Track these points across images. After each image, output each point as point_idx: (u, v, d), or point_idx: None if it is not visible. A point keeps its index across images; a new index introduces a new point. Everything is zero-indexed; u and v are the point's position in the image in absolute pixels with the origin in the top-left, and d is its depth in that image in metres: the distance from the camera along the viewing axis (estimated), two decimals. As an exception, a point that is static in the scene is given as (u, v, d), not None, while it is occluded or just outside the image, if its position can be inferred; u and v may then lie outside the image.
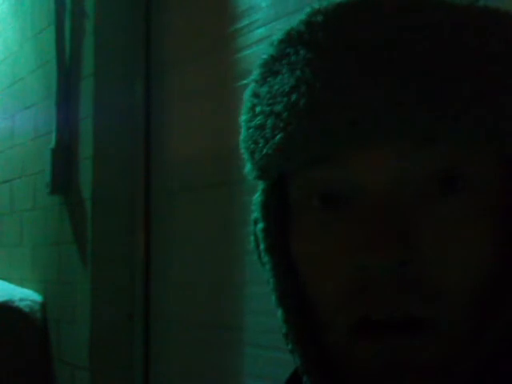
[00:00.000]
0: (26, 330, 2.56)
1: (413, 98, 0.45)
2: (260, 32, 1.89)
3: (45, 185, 2.54)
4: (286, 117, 0.49)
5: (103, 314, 2.34)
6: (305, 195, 0.51)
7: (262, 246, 0.54)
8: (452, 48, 0.47)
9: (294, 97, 0.48)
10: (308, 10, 0.51)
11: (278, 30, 0.53)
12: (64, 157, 2.49)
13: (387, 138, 0.46)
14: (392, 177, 0.47)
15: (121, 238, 2.38)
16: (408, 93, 0.45)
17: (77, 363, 2.40)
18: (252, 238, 0.57)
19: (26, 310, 2.55)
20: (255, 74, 0.54)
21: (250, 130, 0.53)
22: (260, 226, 0.54)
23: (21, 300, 2.57)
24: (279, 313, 0.53)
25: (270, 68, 0.52)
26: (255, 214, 0.56)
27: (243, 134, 0.54)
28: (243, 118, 0.54)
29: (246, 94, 0.55)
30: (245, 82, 0.56)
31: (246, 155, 0.55)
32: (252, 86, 0.54)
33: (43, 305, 2.61)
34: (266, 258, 0.54)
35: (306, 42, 0.50)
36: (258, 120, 0.52)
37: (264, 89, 0.52)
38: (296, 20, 0.52)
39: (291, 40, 0.51)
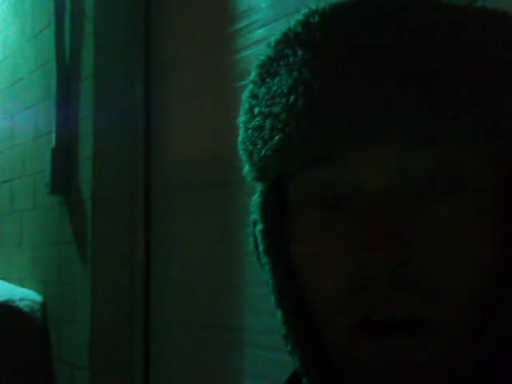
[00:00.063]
0: (26, 329, 2.56)
1: (413, 98, 0.45)
2: (260, 33, 1.89)
3: (45, 185, 2.54)
4: (284, 118, 0.48)
5: (103, 314, 2.34)
6: (304, 196, 0.50)
7: (260, 247, 0.54)
8: (452, 48, 0.47)
9: (291, 98, 0.48)
10: (305, 10, 0.51)
11: (278, 30, 0.53)
12: (64, 157, 2.49)
13: (387, 138, 0.46)
14: (392, 177, 0.47)
15: (121, 238, 2.38)
16: (408, 93, 0.45)
17: (77, 363, 2.40)
18: (251, 239, 0.57)
19: (26, 309, 2.55)
20: (253, 75, 0.54)
21: (249, 132, 0.53)
22: (259, 227, 0.54)
23: (21, 300, 2.57)
24: (278, 314, 0.53)
25: (268, 69, 0.52)
26: (254, 215, 0.56)
27: (241, 135, 0.54)
28: (241, 119, 0.54)
29: (244, 95, 0.55)
30: (244, 82, 0.56)
31: (244, 156, 0.54)
32: (250, 87, 0.54)
33: (43, 305, 2.61)
34: (264, 259, 0.54)
35: (303, 43, 0.50)
36: (256, 121, 0.52)
37: (262, 90, 0.52)
38: (295, 20, 0.52)
39: (288, 41, 0.51)
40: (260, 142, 0.51)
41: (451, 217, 0.47)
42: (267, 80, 0.52)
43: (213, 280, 2.06)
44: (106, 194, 2.37)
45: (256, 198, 0.55)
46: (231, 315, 1.97)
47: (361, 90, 0.46)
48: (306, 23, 0.50)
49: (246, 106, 0.54)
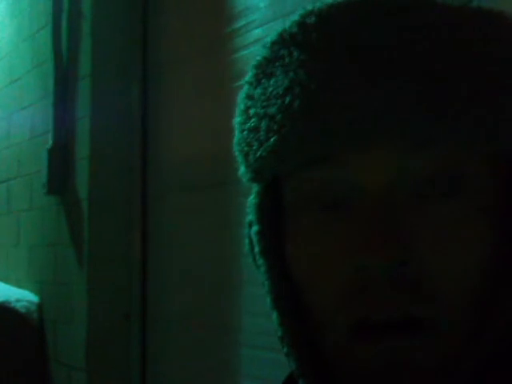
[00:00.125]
0: (23, 330, 2.55)
1: (413, 98, 0.45)
2: (257, 32, 1.89)
3: (41, 185, 2.54)
4: (279, 119, 0.48)
5: (100, 315, 2.34)
6: (301, 197, 0.50)
7: (256, 249, 0.54)
8: (452, 48, 0.47)
9: (287, 99, 0.48)
10: (301, 11, 0.51)
11: (275, 30, 0.53)
12: (61, 157, 2.48)
13: (387, 138, 0.46)
14: (392, 177, 0.47)
15: (117, 239, 2.38)
16: (408, 93, 0.45)
17: (73, 364, 2.40)
18: (246, 240, 0.57)
19: (23, 310, 2.55)
20: (249, 75, 0.54)
21: (244, 133, 0.52)
22: (255, 228, 0.54)
23: (17, 301, 2.57)
24: (274, 316, 0.53)
25: (264, 70, 0.52)
26: (250, 216, 0.56)
27: (237, 136, 0.54)
28: (237, 120, 0.54)
29: (240, 96, 0.55)
30: (242, 82, 0.56)
31: (239, 158, 0.54)
32: (246, 88, 0.54)
33: (40, 305, 2.60)
34: (260, 261, 0.54)
35: (299, 44, 0.50)
36: (251, 122, 0.51)
37: (258, 91, 0.52)
38: (291, 21, 0.52)
39: (284, 41, 0.51)
40: (256, 144, 0.51)
41: (451, 217, 0.47)
42: (263, 81, 0.52)
43: (210, 280, 2.06)
44: (103, 195, 2.37)
45: (252, 200, 0.55)
46: (228, 316, 1.97)
47: (361, 90, 0.46)
48: (302, 24, 0.50)
49: (242, 106, 0.54)
